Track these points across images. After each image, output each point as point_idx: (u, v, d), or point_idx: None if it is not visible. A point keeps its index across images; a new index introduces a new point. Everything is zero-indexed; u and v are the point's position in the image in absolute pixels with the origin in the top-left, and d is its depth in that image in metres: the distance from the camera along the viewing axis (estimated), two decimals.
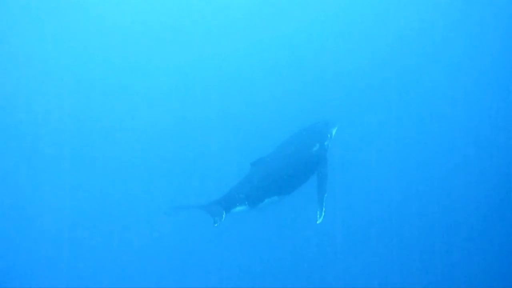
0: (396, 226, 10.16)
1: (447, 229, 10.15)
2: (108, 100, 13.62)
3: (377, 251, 9.95)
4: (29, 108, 13.19)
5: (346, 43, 13.52)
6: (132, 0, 14.87)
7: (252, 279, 10.30)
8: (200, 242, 10.69)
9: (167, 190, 11.76)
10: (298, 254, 10.31)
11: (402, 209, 10.30)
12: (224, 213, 6.17)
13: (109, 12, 14.66)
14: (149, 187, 11.95)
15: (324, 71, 12.92)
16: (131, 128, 13.26)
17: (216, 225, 6.08)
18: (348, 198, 10.06)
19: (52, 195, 11.74)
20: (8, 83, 13.37)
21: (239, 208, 6.30)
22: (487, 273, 9.87)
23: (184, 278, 10.46)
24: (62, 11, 14.30)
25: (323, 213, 6.02)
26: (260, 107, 12.42)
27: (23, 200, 11.59)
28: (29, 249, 10.85)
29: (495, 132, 11.54)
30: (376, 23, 13.65)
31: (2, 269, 10.50)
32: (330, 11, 14.10)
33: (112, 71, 14.12)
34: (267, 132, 10.60)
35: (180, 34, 14.76)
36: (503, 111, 11.83)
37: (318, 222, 6.03)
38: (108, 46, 14.40)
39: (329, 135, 6.81)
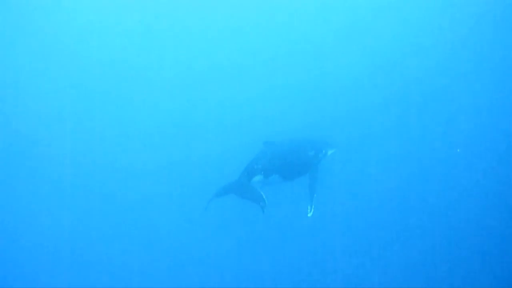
0: (390, 228, 10.29)
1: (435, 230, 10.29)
2: (108, 99, 13.73)
3: (373, 252, 10.07)
4: (29, 109, 13.31)
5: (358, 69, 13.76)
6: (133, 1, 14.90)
7: (251, 279, 10.34)
8: (198, 242, 10.80)
9: (166, 189, 11.86)
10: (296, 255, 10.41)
11: (396, 213, 10.46)
12: (264, 197, 7.04)
13: (109, 13, 14.72)
14: (149, 187, 12.05)
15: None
16: (130, 127, 13.34)
17: (264, 210, 6.91)
18: (346, 202, 10.44)
19: (52, 195, 11.87)
20: (8, 84, 13.51)
21: (257, 178, 7.36)
22: (487, 273, 9.83)
23: (183, 277, 10.52)
24: (62, 12, 14.38)
25: (312, 209, 7.22)
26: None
27: (23, 201, 11.71)
28: (29, 249, 10.96)
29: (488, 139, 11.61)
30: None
31: (2, 269, 10.62)
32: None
33: (111, 71, 14.21)
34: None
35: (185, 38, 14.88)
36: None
37: (308, 216, 7.17)
38: (108, 46, 14.47)
39: (324, 151, 7.92)
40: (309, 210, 7.18)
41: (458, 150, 11.01)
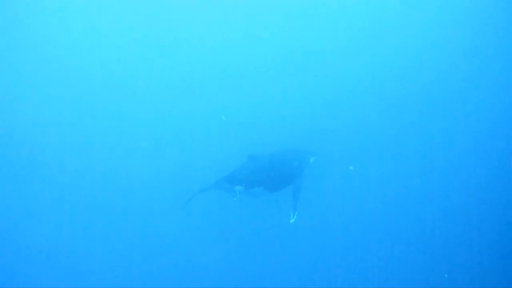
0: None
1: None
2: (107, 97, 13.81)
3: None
4: (30, 109, 13.44)
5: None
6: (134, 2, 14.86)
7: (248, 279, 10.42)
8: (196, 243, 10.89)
9: (166, 190, 11.93)
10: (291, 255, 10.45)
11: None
12: (237, 187, 7.56)
13: (109, 17, 14.72)
14: (148, 187, 12.13)
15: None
16: (130, 126, 13.42)
17: (235, 199, 7.48)
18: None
19: (53, 195, 12.02)
20: (8, 83, 13.63)
21: (238, 187, 7.70)
22: (487, 273, 9.75)
23: (181, 277, 10.61)
24: (61, 13, 14.42)
25: (295, 216, 7.48)
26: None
27: (23, 201, 11.88)
28: (29, 249, 11.14)
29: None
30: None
31: (2, 269, 10.82)
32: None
33: (112, 71, 14.26)
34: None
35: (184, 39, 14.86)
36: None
37: (291, 221, 7.45)
38: (107, 50, 14.51)
39: (307, 160, 8.21)
40: (291, 217, 7.43)
41: (351, 168, 11.00)
